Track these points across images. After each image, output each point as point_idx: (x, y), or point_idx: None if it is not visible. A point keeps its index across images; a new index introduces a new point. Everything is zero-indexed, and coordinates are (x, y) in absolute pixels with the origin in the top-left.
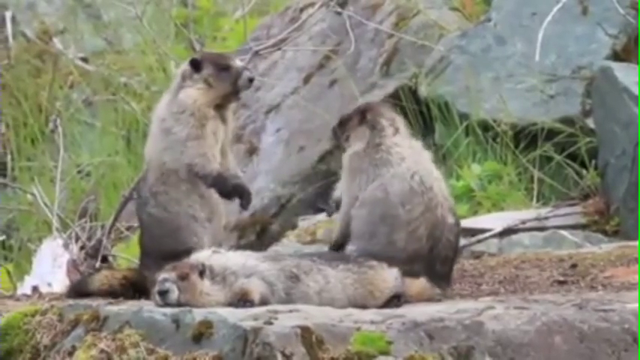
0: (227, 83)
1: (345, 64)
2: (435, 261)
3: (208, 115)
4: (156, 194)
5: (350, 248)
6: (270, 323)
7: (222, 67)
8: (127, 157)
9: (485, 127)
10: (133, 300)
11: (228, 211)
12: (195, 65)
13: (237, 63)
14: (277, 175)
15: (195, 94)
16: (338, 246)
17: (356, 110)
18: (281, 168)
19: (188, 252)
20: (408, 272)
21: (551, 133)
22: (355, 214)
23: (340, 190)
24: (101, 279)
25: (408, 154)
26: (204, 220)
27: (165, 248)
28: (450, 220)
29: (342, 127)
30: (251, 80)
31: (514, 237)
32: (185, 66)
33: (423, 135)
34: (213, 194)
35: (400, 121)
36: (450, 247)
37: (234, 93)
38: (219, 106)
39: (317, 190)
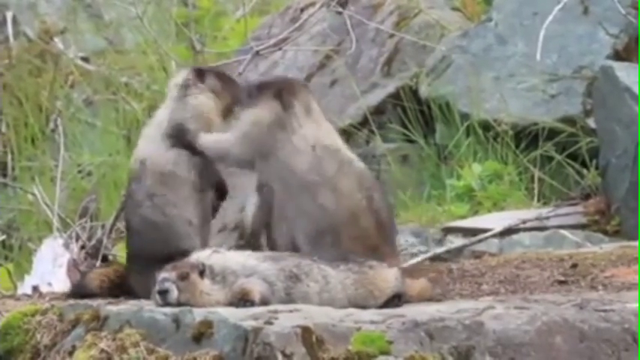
0: (228, 92)
1: (346, 64)
2: (381, 215)
3: (217, 123)
4: (153, 196)
5: (278, 233)
6: (271, 323)
7: (225, 79)
8: (127, 157)
9: (486, 126)
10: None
11: (231, 212)
12: (199, 75)
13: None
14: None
15: (206, 101)
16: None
17: (275, 83)
18: None
19: (181, 256)
20: (361, 235)
21: (552, 133)
22: (275, 202)
23: (228, 140)
24: (99, 277)
25: (311, 131)
26: (198, 226)
27: (157, 252)
28: (371, 175)
29: (259, 90)
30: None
31: (514, 237)
32: (186, 76)
33: (424, 135)
34: (208, 199)
35: (314, 102)
36: (386, 200)
37: (236, 103)
38: (226, 116)
39: None
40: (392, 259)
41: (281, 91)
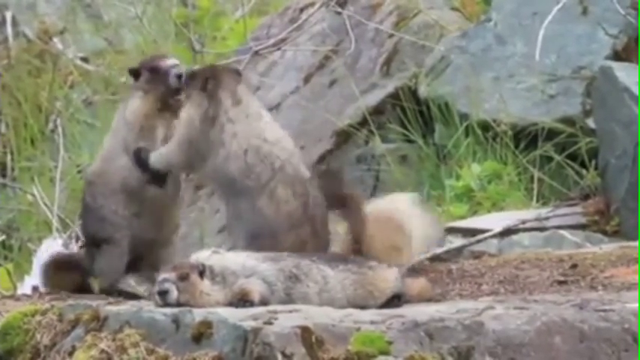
0: (158, 85)
1: (345, 64)
2: (316, 222)
3: (154, 123)
4: (90, 183)
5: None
6: (270, 323)
7: (152, 69)
8: None
9: (486, 127)
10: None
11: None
12: (134, 74)
13: (167, 62)
14: None
15: (136, 103)
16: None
17: (202, 73)
18: None
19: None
20: (298, 241)
21: (551, 133)
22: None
23: (170, 150)
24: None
25: (241, 128)
26: (128, 216)
27: (94, 232)
28: (305, 173)
29: (188, 82)
30: (179, 76)
31: (514, 237)
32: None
33: (423, 135)
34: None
35: (243, 90)
36: (320, 205)
37: (169, 93)
38: (166, 109)
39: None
40: None
41: (206, 81)
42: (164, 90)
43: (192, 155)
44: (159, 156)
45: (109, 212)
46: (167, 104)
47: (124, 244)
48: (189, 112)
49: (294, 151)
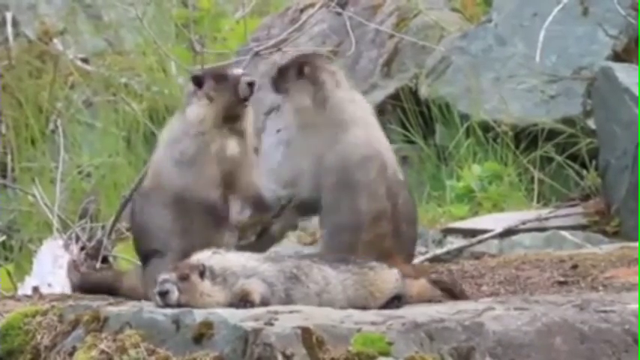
0: (227, 93)
1: (346, 65)
2: (400, 220)
3: (214, 133)
4: (142, 197)
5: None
6: (271, 324)
7: (219, 78)
8: (127, 158)
9: (486, 127)
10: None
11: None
12: (197, 81)
13: (235, 71)
14: (277, 176)
15: (200, 110)
16: (304, 205)
17: (293, 62)
18: (281, 169)
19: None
20: (376, 235)
21: (551, 134)
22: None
23: (292, 160)
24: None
25: (356, 112)
26: (174, 233)
27: (143, 250)
28: (400, 176)
29: (281, 78)
30: (250, 85)
31: (514, 238)
32: (190, 84)
33: (424, 136)
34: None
35: (340, 73)
36: (410, 204)
37: (237, 102)
38: (230, 120)
39: None
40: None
41: (301, 68)
42: (232, 98)
43: (318, 144)
44: (286, 181)
45: (160, 226)
46: (232, 114)
47: (173, 258)
48: (299, 102)
49: (391, 151)
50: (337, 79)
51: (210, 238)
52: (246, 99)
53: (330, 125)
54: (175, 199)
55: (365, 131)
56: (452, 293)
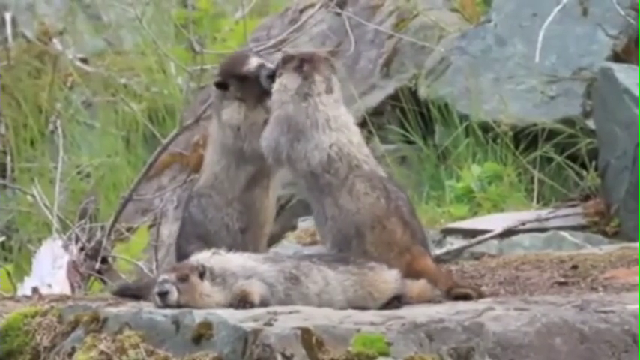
0: (253, 90)
1: (345, 65)
2: (403, 213)
3: (260, 124)
4: (200, 196)
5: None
6: (270, 324)
7: (242, 77)
8: (126, 159)
9: (486, 128)
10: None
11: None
12: (223, 86)
13: (251, 65)
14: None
15: (235, 112)
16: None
17: (299, 56)
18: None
19: None
20: (383, 232)
21: (551, 134)
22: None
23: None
24: None
25: (331, 116)
26: (236, 232)
27: (190, 248)
28: (381, 172)
29: (283, 64)
30: (270, 76)
31: (514, 238)
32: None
33: (423, 136)
34: (256, 204)
35: (336, 83)
36: (404, 196)
37: (265, 94)
38: (263, 108)
39: None
40: (425, 259)
41: (302, 63)
42: (260, 93)
43: (289, 128)
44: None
45: (218, 225)
46: (261, 102)
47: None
48: (282, 82)
49: (370, 155)
50: (330, 86)
51: (259, 238)
52: (269, 89)
53: (305, 117)
54: (239, 196)
55: (331, 140)
56: (472, 296)
